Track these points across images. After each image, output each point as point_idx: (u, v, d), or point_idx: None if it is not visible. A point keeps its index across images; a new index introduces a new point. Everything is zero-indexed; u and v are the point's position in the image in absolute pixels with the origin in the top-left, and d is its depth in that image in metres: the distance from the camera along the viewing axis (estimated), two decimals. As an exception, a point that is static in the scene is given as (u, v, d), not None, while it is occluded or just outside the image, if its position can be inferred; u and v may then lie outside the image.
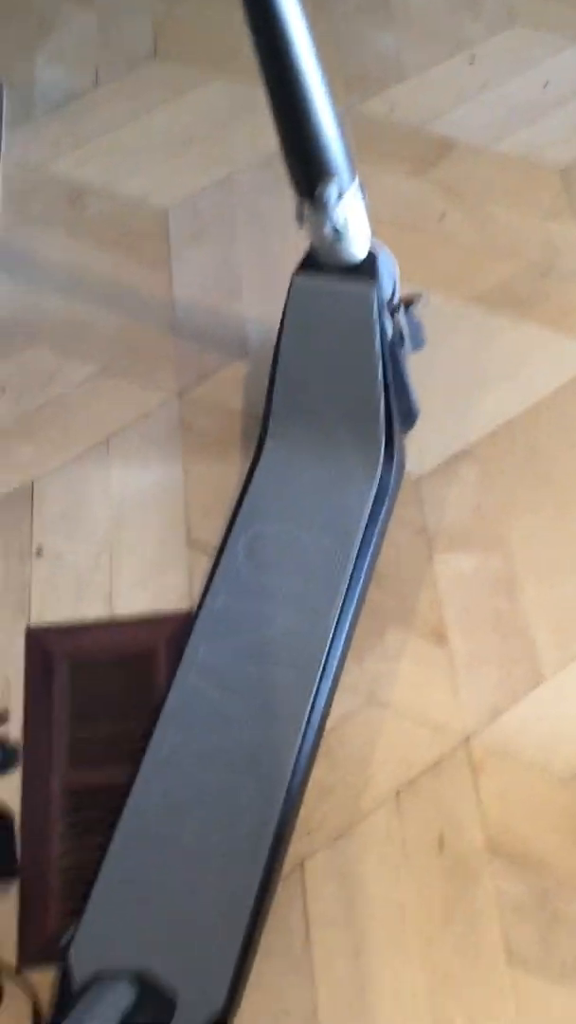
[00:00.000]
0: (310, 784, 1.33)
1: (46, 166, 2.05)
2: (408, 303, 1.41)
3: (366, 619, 1.46)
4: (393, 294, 1.42)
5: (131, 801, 1.25)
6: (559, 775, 1.34)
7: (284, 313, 1.43)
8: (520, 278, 1.81)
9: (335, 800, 1.34)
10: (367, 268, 1.38)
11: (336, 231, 1.31)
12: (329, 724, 1.38)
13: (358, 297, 1.38)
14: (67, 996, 1.09)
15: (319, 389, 1.44)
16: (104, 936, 1.16)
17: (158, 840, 1.22)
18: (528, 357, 1.71)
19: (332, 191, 1.26)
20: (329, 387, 1.44)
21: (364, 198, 1.35)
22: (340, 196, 1.28)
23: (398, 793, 1.34)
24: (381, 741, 1.38)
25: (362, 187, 1.35)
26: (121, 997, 1.05)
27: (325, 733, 1.37)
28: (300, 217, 1.33)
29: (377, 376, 1.39)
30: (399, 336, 1.42)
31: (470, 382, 1.69)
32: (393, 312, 1.40)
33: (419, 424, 1.62)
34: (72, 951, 1.16)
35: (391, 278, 1.43)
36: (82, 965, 1.14)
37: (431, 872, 1.28)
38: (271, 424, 1.50)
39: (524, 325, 1.75)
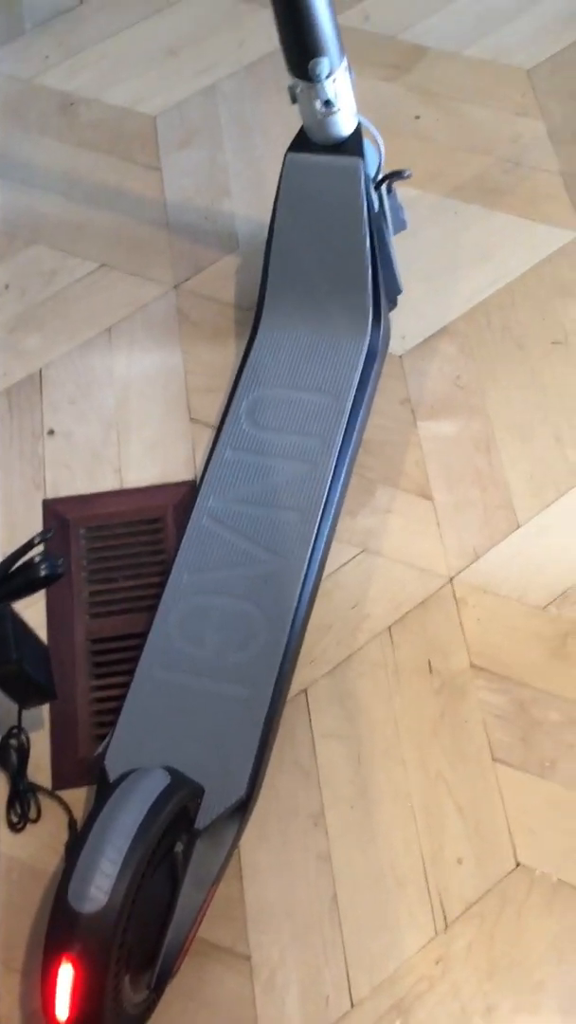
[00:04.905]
0: (309, 624, 1.47)
1: (38, 78, 2.14)
2: (393, 176, 1.52)
3: (357, 480, 1.59)
4: (378, 170, 1.53)
5: (154, 627, 1.38)
6: (533, 605, 1.48)
7: (278, 189, 1.54)
8: (492, 171, 1.93)
9: (333, 635, 1.48)
10: (354, 144, 1.49)
11: (327, 104, 1.42)
12: (326, 571, 1.51)
13: (346, 170, 1.49)
14: (104, 791, 1.21)
15: (311, 260, 1.55)
16: (135, 743, 1.30)
17: (181, 658, 1.35)
18: (500, 243, 1.84)
19: (323, 67, 1.37)
20: (320, 258, 1.55)
21: (352, 77, 1.46)
22: (330, 73, 1.39)
23: (390, 627, 1.48)
24: (373, 584, 1.52)
25: (350, 68, 1.46)
26: (156, 780, 1.17)
27: (323, 579, 1.50)
28: (293, 97, 1.44)
29: (365, 246, 1.50)
30: (384, 211, 1.53)
31: (447, 268, 1.82)
32: (378, 186, 1.51)
33: (400, 308, 1.74)
34: (107, 757, 1.29)
35: (376, 155, 1.54)
36: (116, 768, 1.27)
37: (422, 691, 1.43)
38: (267, 295, 1.61)
39: (496, 214, 1.88)
